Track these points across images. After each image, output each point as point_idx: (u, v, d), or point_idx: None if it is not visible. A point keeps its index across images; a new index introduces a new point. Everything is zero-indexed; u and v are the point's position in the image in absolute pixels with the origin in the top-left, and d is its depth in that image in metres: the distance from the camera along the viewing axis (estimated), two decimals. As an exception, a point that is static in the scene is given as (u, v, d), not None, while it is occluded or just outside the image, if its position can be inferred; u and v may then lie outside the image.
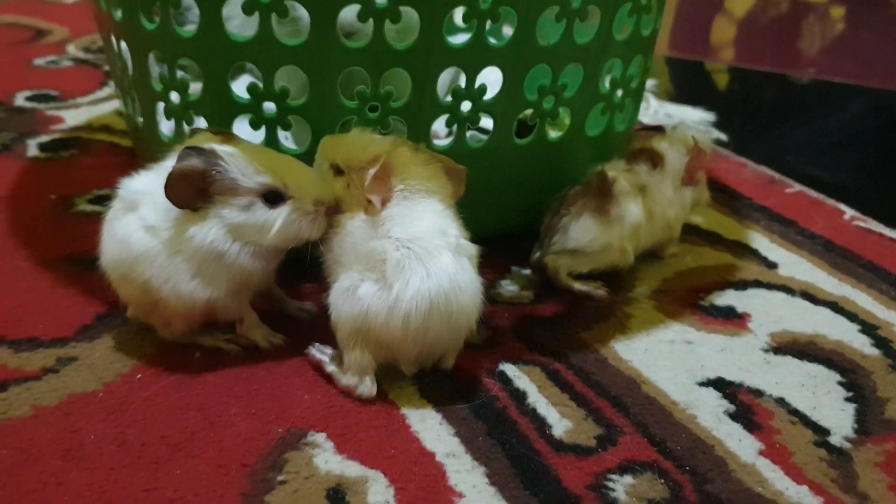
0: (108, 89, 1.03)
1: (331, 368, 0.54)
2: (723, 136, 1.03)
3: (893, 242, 0.77)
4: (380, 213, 0.53)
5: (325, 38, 0.56)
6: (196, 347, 0.57)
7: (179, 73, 0.59)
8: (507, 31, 0.63)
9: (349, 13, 0.56)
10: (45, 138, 0.88)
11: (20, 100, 0.98)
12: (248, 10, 0.55)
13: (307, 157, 0.59)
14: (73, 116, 0.94)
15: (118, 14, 0.61)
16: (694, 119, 1.07)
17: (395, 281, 0.50)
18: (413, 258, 0.51)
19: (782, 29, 1.81)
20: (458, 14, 0.58)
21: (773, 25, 1.84)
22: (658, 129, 0.74)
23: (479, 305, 0.53)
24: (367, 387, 0.53)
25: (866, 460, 0.51)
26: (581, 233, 0.65)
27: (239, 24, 0.58)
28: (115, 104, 0.98)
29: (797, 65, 1.49)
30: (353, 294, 0.52)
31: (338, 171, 0.55)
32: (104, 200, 0.75)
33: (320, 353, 0.56)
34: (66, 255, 0.67)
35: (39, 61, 1.12)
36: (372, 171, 0.53)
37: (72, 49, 1.18)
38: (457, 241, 0.53)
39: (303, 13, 0.56)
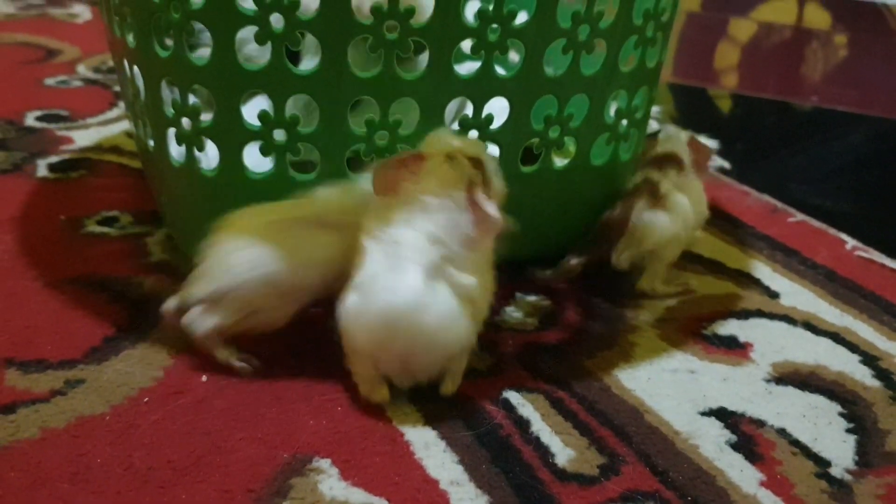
0: (118, 110, 1.04)
1: None
2: (726, 164, 1.04)
3: (895, 273, 0.78)
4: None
5: (336, 67, 0.57)
6: (204, 371, 0.57)
7: (191, 99, 0.60)
8: (514, 55, 0.65)
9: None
10: (54, 158, 0.89)
11: (31, 119, 0.99)
12: (260, 40, 0.56)
13: (316, 183, 0.60)
14: (83, 137, 0.95)
15: (131, 40, 0.62)
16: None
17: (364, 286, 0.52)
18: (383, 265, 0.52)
19: (785, 55, 1.83)
20: (467, 45, 0.59)
21: (777, 52, 1.86)
22: (653, 136, 0.78)
23: (460, 338, 0.53)
24: (376, 395, 0.55)
25: (867, 493, 0.51)
26: (650, 228, 0.68)
27: (254, 47, 0.59)
28: (125, 125, 0.99)
29: (800, 92, 1.50)
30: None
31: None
32: (113, 222, 0.76)
33: None
34: (75, 276, 0.68)
35: (50, 81, 1.13)
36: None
37: (82, 69, 1.19)
38: (433, 264, 0.52)
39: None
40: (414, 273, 0.51)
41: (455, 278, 0.53)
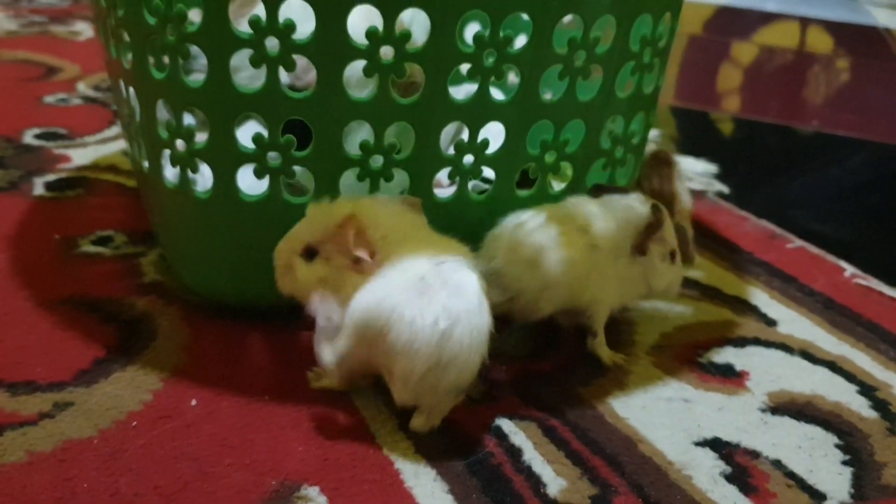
0: (116, 128, 1.04)
1: None
2: (724, 189, 1.03)
3: (893, 301, 0.77)
4: (372, 267, 0.53)
5: (332, 91, 0.57)
6: (193, 395, 0.57)
7: (186, 121, 0.60)
8: (512, 78, 0.65)
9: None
10: (51, 177, 0.89)
11: (29, 137, 0.99)
12: (255, 63, 0.56)
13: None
14: (81, 155, 0.95)
15: (127, 61, 0.62)
16: (696, 171, 1.08)
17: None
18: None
19: (787, 79, 1.83)
20: (463, 69, 0.59)
21: (779, 75, 1.86)
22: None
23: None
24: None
25: (862, 527, 0.50)
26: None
27: (248, 75, 0.59)
28: (122, 144, 0.99)
29: (801, 116, 1.50)
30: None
31: (309, 253, 0.56)
32: (107, 242, 0.76)
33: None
34: (67, 296, 0.67)
35: (49, 98, 1.13)
36: (350, 231, 0.54)
37: (82, 87, 1.19)
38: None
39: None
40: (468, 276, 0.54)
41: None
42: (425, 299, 0.51)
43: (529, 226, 0.62)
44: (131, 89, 0.64)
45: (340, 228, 0.54)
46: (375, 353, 0.52)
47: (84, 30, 1.52)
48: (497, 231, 0.63)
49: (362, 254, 0.54)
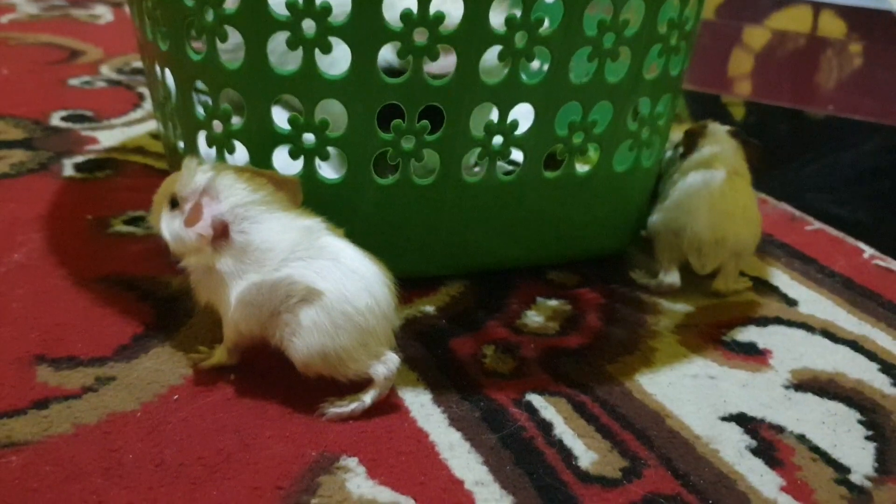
0: (142, 111, 1.05)
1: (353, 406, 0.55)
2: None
3: (912, 282, 0.79)
4: (219, 246, 0.54)
5: (366, 73, 0.58)
6: (232, 370, 0.58)
7: (223, 104, 0.61)
8: (535, 63, 0.65)
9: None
10: (80, 158, 0.90)
11: (56, 119, 1.00)
12: (292, 45, 0.57)
13: (344, 186, 0.61)
14: (108, 137, 0.96)
15: (164, 44, 0.63)
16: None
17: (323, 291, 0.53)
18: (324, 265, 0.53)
19: (800, 64, 1.83)
20: (493, 52, 0.60)
21: (791, 60, 1.86)
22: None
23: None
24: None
25: (887, 500, 0.52)
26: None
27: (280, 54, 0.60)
28: (149, 126, 1.00)
29: (815, 100, 1.51)
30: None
31: (173, 203, 0.56)
32: (139, 221, 0.77)
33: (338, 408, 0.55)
34: (103, 275, 0.69)
35: (74, 81, 1.15)
36: (190, 202, 0.54)
37: (105, 70, 1.20)
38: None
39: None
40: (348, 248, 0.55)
41: None
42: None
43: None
44: (167, 71, 0.65)
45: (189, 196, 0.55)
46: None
47: (104, 13, 1.54)
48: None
49: (201, 229, 0.54)
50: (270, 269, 0.53)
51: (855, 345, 0.68)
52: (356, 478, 0.50)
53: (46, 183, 0.84)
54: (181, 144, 0.66)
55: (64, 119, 1.01)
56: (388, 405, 0.56)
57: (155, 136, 0.97)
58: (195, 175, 0.54)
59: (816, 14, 2.33)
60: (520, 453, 0.53)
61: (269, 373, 0.58)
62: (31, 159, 0.89)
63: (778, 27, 2.15)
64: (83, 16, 1.51)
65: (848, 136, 1.29)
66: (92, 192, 0.83)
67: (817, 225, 0.90)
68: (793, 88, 1.61)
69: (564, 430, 0.55)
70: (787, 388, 0.62)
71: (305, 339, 0.53)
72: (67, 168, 0.88)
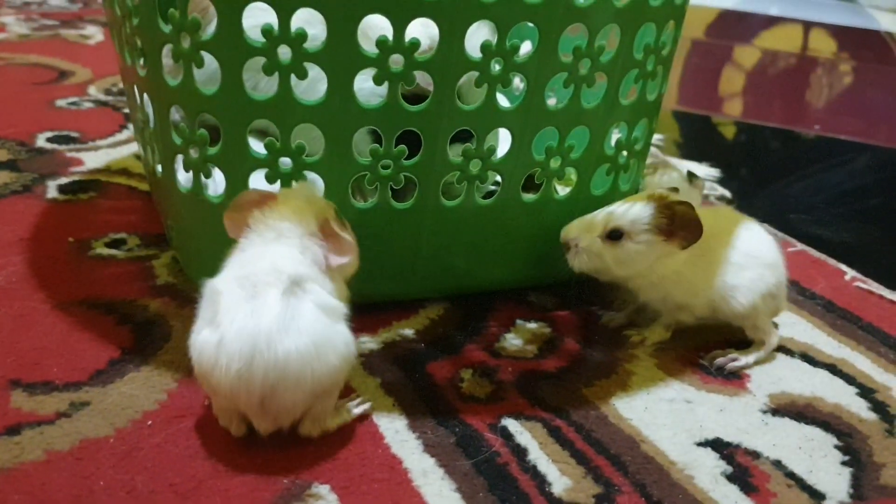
0: (128, 132, 1.05)
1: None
2: (727, 193, 1.04)
3: (893, 304, 0.79)
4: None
5: (342, 98, 0.58)
6: (207, 395, 0.58)
7: (199, 129, 0.61)
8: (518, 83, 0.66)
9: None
10: (64, 180, 0.90)
11: (41, 140, 1.01)
12: (268, 70, 0.57)
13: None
14: (93, 159, 0.97)
15: (142, 70, 0.63)
16: (699, 175, 1.09)
17: (223, 320, 0.51)
18: (240, 296, 0.51)
19: (789, 83, 1.84)
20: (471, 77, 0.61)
21: (781, 79, 1.87)
22: None
23: (332, 363, 0.52)
24: (235, 429, 0.54)
25: (860, 526, 0.52)
26: None
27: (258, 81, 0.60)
28: (134, 147, 1.00)
29: (804, 120, 1.51)
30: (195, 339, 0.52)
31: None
32: (120, 244, 0.77)
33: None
34: (82, 298, 0.69)
35: (61, 102, 1.15)
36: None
37: (93, 91, 1.21)
38: (292, 282, 0.52)
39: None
40: (274, 294, 0.51)
41: (322, 297, 0.52)
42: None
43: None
44: (146, 95, 0.65)
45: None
46: None
47: (94, 34, 1.54)
48: None
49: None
50: None
51: (834, 368, 0.68)
52: (328, 505, 0.50)
53: (29, 205, 0.84)
54: (159, 168, 0.66)
55: (49, 140, 1.01)
56: (362, 431, 0.56)
57: (139, 157, 0.97)
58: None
59: (807, 33, 2.35)
60: (493, 480, 0.53)
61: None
62: (15, 181, 0.89)
63: (768, 46, 2.16)
64: (73, 36, 1.51)
65: (835, 155, 1.29)
66: (74, 214, 0.83)
67: (799, 246, 0.90)
68: (783, 108, 1.61)
69: (539, 456, 0.55)
70: (764, 412, 0.62)
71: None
72: (51, 190, 0.88)
